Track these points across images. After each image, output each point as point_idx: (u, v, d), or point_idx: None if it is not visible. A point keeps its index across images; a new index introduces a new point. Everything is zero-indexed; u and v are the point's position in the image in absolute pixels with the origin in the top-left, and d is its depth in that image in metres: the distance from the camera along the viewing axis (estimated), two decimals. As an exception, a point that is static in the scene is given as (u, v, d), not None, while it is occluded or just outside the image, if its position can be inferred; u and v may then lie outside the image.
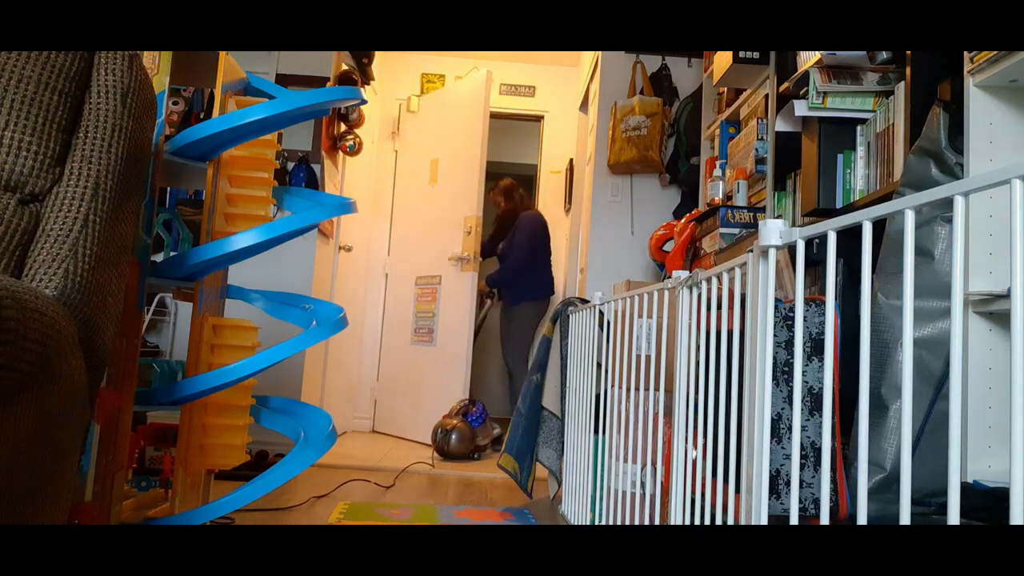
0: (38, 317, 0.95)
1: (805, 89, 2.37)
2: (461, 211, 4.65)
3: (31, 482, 1.00)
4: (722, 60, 3.08)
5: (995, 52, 1.61)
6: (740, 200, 3.05)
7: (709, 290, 1.36)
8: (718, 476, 1.24)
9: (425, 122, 5.22)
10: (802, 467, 1.47)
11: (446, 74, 5.48)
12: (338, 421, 4.51)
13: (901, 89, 2.04)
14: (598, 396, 2.17)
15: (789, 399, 1.47)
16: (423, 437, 4.48)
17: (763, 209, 2.83)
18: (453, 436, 3.94)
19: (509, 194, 4.92)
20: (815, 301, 1.52)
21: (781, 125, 2.69)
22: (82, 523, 1.55)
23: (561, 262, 5.22)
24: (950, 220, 1.71)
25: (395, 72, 5.41)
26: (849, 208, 2.28)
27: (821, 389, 1.49)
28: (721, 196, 3.27)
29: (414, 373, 4.81)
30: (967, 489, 1.54)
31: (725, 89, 3.49)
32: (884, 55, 2.21)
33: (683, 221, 3.26)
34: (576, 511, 2.32)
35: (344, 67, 4.13)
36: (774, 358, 1.46)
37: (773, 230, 1.00)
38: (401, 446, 4.32)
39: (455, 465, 3.76)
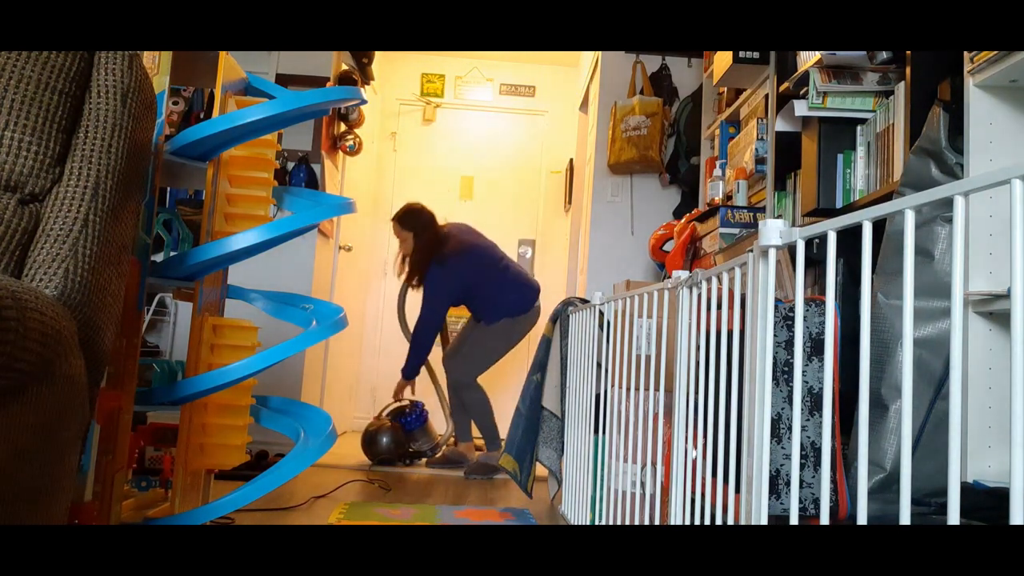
0: (38, 317, 0.95)
1: (805, 89, 2.37)
2: (515, 233, 5.19)
3: (31, 482, 1.00)
4: (722, 60, 3.08)
5: (995, 52, 1.61)
6: (740, 200, 3.05)
7: (709, 290, 1.36)
8: (718, 476, 1.24)
9: (450, 135, 5.44)
10: (802, 467, 1.47)
11: (446, 74, 5.48)
12: (338, 421, 4.51)
13: (901, 89, 2.04)
14: (598, 396, 2.17)
15: (789, 399, 1.47)
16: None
17: (763, 209, 2.83)
18: (384, 438, 3.62)
19: (414, 222, 3.69)
20: (815, 301, 1.52)
21: (781, 125, 2.68)
22: (82, 523, 1.55)
23: (561, 262, 5.22)
24: (950, 220, 1.71)
25: (395, 72, 5.41)
26: (849, 208, 2.28)
27: (821, 389, 1.49)
28: (721, 196, 3.27)
29: (435, 373, 5.01)
30: (967, 489, 1.54)
31: (725, 89, 3.49)
32: (884, 55, 2.21)
33: (683, 221, 3.26)
34: (576, 511, 2.32)
35: (344, 67, 4.13)
36: (774, 358, 1.45)
37: (773, 230, 1.00)
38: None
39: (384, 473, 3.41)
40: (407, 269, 3.73)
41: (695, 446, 1.38)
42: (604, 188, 4.21)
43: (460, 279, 3.64)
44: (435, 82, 5.48)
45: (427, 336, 3.64)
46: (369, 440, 3.66)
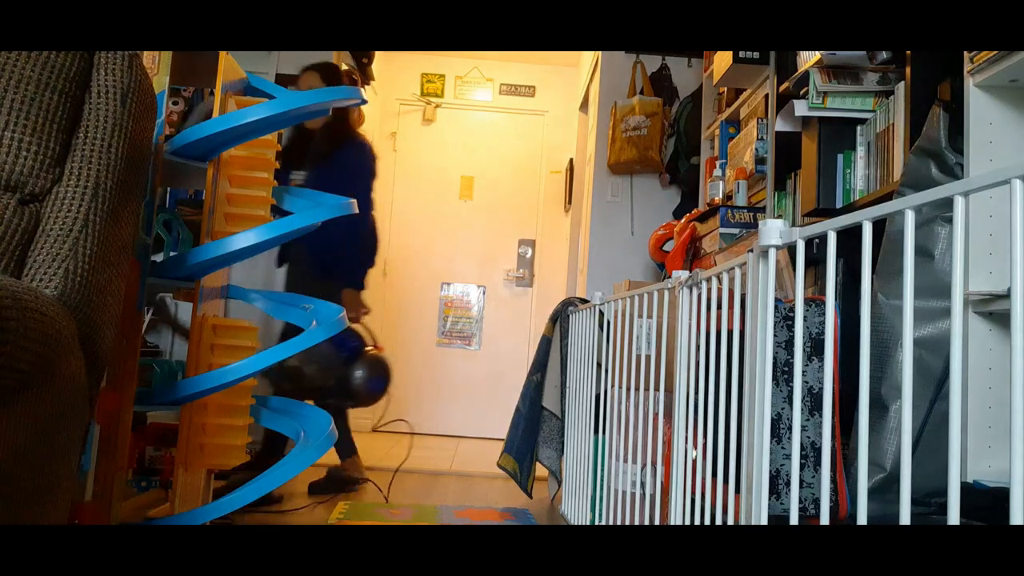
0: (38, 317, 0.95)
1: (805, 89, 2.37)
2: (515, 233, 5.31)
3: (31, 482, 1.00)
4: (722, 60, 3.08)
5: (995, 52, 1.60)
6: (740, 200, 3.04)
7: (709, 290, 1.36)
8: (718, 476, 1.24)
9: (450, 135, 5.48)
10: (802, 467, 1.47)
11: (446, 74, 5.48)
12: (338, 421, 4.50)
13: (901, 89, 2.04)
14: (598, 396, 2.17)
15: (789, 399, 1.47)
16: (432, 430, 4.50)
17: (763, 209, 2.83)
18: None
19: (336, 80, 2.95)
20: (815, 301, 1.52)
21: (781, 125, 2.68)
22: (82, 523, 1.55)
23: (561, 262, 5.22)
24: (950, 220, 1.71)
25: (395, 72, 5.41)
26: (849, 208, 2.28)
27: (821, 389, 1.49)
28: (721, 196, 3.27)
29: (435, 374, 5.15)
30: (967, 489, 1.54)
31: (725, 89, 3.49)
32: (884, 55, 2.21)
33: (683, 221, 3.25)
34: (576, 511, 2.32)
35: (344, 67, 4.12)
36: (774, 358, 1.45)
37: (773, 230, 1.00)
38: (401, 444, 4.32)
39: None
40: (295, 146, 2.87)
41: (695, 446, 1.38)
42: (604, 188, 4.21)
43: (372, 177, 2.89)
44: (435, 82, 5.48)
45: (363, 234, 2.86)
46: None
